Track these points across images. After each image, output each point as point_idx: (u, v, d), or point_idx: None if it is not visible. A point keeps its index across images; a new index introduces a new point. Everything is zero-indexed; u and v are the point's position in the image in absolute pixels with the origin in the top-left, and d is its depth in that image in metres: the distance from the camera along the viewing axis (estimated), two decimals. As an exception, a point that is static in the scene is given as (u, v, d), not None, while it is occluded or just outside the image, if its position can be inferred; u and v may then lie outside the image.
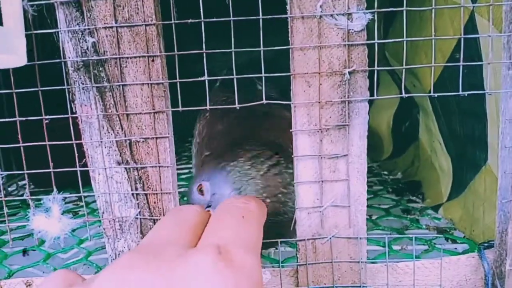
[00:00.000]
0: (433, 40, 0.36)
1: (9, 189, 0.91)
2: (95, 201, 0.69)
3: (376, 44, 0.35)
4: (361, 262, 0.39)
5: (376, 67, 0.35)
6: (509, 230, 0.39)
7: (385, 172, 0.88)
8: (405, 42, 0.36)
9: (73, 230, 0.40)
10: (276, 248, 0.57)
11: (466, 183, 0.60)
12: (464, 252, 0.53)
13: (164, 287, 0.20)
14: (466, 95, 0.35)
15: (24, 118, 0.36)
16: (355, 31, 0.35)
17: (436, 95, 0.36)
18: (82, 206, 0.74)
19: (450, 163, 0.66)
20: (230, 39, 0.35)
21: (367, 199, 0.38)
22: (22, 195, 0.74)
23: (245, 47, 0.36)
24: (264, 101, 0.36)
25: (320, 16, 0.35)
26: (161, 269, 0.21)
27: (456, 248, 0.56)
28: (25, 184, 0.96)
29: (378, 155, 0.93)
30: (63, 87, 0.36)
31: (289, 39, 0.36)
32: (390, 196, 0.75)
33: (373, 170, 0.90)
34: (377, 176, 0.86)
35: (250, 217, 0.28)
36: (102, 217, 0.39)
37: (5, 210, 0.39)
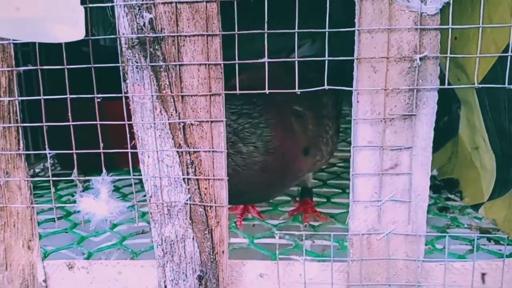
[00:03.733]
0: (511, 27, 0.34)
1: (36, 169, 0.91)
2: (127, 186, 0.69)
3: (450, 30, 0.33)
4: (418, 260, 0.37)
5: (449, 54, 0.33)
6: None
7: (419, 169, 0.85)
8: (480, 29, 0.34)
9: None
10: (313, 241, 0.56)
11: (512, 183, 0.58)
12: (511, 255, 0.51)
13: None
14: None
15: (75, 96, 0.35)
16: (428, 15, 0.33)
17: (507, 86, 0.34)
18: (112, 190, 0.73)
19: (494, 161, 0.63)
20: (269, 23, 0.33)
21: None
22: (48, 176, 0.74)
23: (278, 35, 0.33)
24: (326, 87, 0.34)
25: (392, -3, 0.32)
26: None
27: (500, 250, 0.54)
28: (51, 165, 0.96)
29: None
30: (117, 64, 0.34)
31: (356, 20, 0.33)
32: (427, 193, 0.72)
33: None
34: (410, 172, 0.84)
35: None
36: (149, 201, 0.37)
37: (53, 190, 0.38)
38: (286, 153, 0.51)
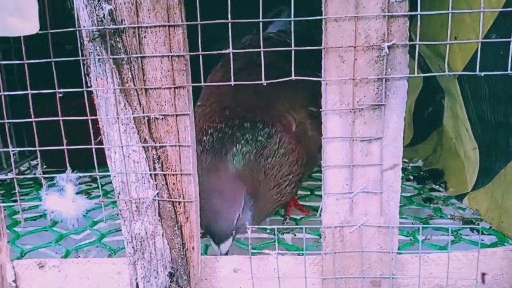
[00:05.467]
0: (481, 13, 0.33)
1: (21, 168, 0.90)
2: (109, 183, 0.68)
3: (418, 16, 0.32)
4: (392, 252, 0.37)
5: (418, 42, 0.32)
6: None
7: (405, 160, 0.85)
8: (450, 14, 0.33)
9: (87, 212, 0.38)
10: (295, 235, 0.55)
11: (495, 172, 0.57)
12: (492, 245, 0.51)
13: None
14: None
15: (36, 91, 0.34)
16: (396, 1, 0.32)
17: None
18: (95, 187, 0.72)
19: (477, 151, 0.62)
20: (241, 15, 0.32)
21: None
22: (34, 174, 0.73)
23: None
24: (293, 77, 0.33)
25: (358, -16, 0.32)
26: None
27: (483, 240, 0.54)
28: (37, 164, 0.95)
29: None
30: (78, 58, 0.33)
31: (323, 8, 0.33)
32: (411, 184, 0.72)
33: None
34: (396, 164, 0.83)
35: None
36: (118, 198, 0.37)
37: (17, 189, 0.37)
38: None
